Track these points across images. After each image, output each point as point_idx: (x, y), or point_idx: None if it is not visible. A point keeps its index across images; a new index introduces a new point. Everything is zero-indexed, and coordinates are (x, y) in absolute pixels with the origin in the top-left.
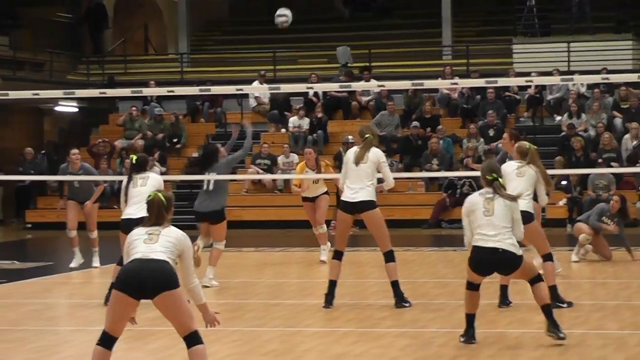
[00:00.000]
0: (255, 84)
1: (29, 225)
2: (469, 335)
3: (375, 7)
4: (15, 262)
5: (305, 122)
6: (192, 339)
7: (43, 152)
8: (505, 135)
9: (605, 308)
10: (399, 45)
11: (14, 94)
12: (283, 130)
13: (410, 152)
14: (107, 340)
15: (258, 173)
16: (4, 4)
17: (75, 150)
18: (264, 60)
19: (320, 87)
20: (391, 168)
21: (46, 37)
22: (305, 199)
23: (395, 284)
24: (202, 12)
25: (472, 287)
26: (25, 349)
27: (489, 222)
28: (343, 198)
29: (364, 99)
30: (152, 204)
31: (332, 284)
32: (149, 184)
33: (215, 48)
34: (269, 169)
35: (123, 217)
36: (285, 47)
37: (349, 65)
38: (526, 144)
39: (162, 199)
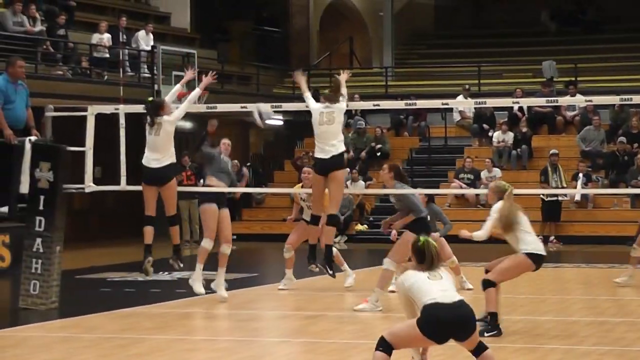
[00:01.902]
0: (460, 98)
1: (235, 237)
2: None
3: (584, 21)
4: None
5: (510, 137)
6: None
7: (248, 164)
8: None
9: None
10: (607, 59)
11: (222, 107)
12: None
13: (616, 167)
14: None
15: (461, 187)
16: (213, 19)
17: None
18: (468, 74)
19: (526, 102)
20: (596, 184)
21: (253, 51)
22: None
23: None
24: (407, 25)
25: None
26: (231, 359)
27: None
28: None
29: (570, 113)
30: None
31: None
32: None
33: (419, 62)
34: (472, 184)
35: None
36: (490, 61)
37: (554, 79)
38: None
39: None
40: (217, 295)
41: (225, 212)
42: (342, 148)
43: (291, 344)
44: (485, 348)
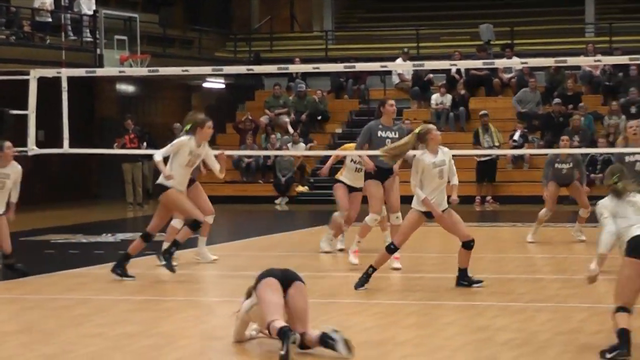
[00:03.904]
0: (399, 61)
1: None
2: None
3: None
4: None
5: (448, 99)
6: None
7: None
8: None
9: None
10: (542, 22)
11: (163, 70)
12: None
13: (551, 128)
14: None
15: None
16: None
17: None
18: (407, 37)
19: (463, 64)
20: (532, 145)
21: (195, 15)
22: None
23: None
24: None
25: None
26: (174, 319)
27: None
28: None
29: (506, 76)
30: None
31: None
32: None
33: (359, 25)
34: None
35: None
36: (428, 25)
37: (491, 42)
38: None
39: None
40: (207, 258)
41: (199, 185)
42: None
43: (234, 303)
44: None
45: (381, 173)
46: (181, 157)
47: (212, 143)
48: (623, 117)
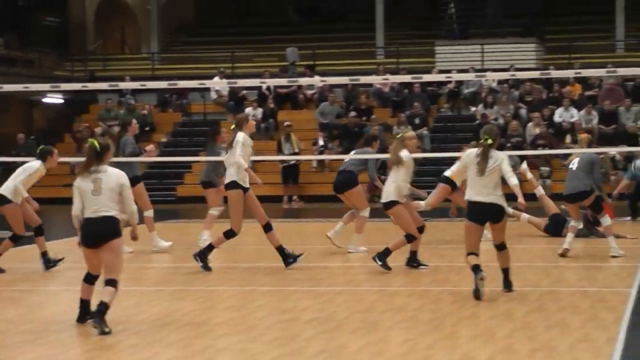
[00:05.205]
0: (216, 79)
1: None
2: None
3: (322, 14)
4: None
5: (259, 112)
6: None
7: (33, 137)
8: None
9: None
10: (340, 46)
11: (7, 87)
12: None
13: (348, 137)
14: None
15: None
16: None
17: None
18: (224, 59)
19: (272, 82)
20: (332, 151)
21: (36, 37)
22: None
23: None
24: (172, 17)
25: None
26: (18, 306)
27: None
28: None
29: (309, 92)
30: None
31: None
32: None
33: (182, 48)
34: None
35: None
36: (242, 48)
37: (296, 63)
38: None
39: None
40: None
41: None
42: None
43: (72, 292)
44: None
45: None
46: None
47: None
48: (409, 127)
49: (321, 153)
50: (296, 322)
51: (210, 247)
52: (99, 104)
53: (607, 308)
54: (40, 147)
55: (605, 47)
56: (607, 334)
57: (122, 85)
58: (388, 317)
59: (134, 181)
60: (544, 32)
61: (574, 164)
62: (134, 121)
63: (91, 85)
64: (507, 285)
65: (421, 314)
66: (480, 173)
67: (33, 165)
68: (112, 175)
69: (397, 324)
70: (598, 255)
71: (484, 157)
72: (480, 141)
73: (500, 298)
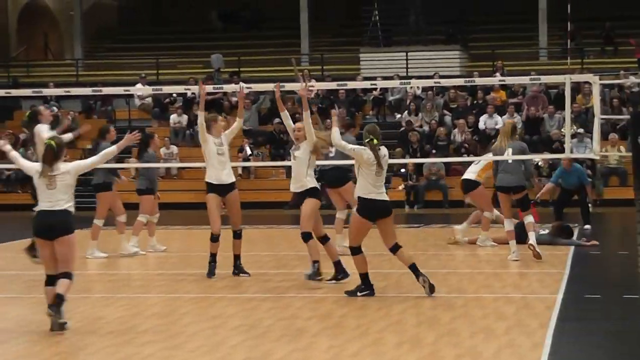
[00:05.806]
0: (139, 85)
1: None
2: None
3: (244, 20)
4: None
5: (184, 119)
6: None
7: None
8: None
9: (435, 275)
10: (265, 53)
11: None
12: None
13: (274, 144)
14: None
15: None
16: None
17: None
18: (149, 65)
19: (196, 89)
20: (257, 158)
21: None
22: None
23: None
24: (95, 23)
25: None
26: None
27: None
28: None
29: (234, 99)
30: None
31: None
32: None
33: (106, 54)
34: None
35: None
36: (167, 54)
37: (221, 70)
38: None
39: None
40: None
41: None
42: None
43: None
44: None
45: None
46: None
47: None
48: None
49: (246, 160)
50: (222, 329)
51: (236, 257)
52: (23, 110)
53: (532, 314)
54: None
55: (528, 54)
56: (533, 339)
57: (46, 91)
58: (313, 324)
59: (109, 186)
60: (467, 39)
61: (508, 154)
62: (112, 128)
63: (14, 92)
64: (428, 287)
65: (347, 320)
66: (379, 172)
67: None
68: (68, 172)
69: (323, 330)
70: (524, 262)
71: (376, 155)
72: (366, 141)
73: (426, 304)
